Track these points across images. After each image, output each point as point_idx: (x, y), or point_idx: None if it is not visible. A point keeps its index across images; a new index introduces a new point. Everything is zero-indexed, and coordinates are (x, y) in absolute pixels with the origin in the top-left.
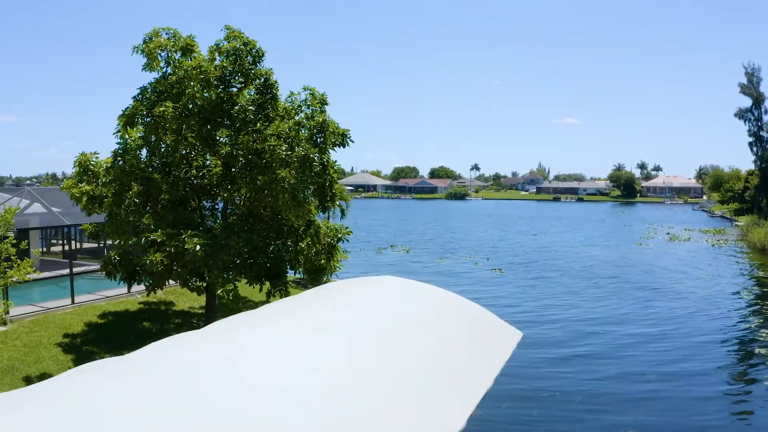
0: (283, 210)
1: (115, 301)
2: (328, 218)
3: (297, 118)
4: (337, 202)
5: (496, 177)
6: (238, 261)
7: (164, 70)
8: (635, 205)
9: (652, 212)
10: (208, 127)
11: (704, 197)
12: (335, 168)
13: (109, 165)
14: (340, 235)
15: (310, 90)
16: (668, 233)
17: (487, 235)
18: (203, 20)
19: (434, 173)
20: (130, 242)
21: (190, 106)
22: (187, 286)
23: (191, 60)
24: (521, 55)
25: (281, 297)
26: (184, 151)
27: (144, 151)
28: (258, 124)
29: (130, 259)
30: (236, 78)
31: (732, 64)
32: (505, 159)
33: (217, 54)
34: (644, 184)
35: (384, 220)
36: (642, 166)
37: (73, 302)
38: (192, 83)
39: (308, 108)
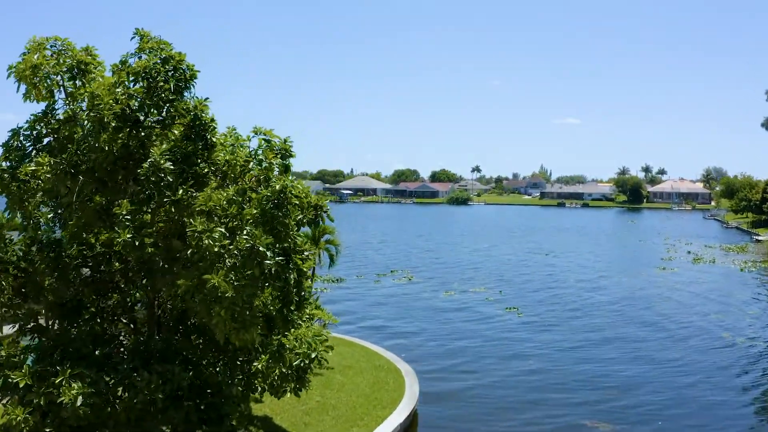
0: (218, 331)
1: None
2: (313, 272)
3: (249, 174)
4: (326, 246)
5: (498, 180)
6: (153, 403)
7: (55, 100)
8: (642, 211)
9: (663, 221)
10: (107, 197)
11: (712, 203)
12: (303, 256)
13: None
14: (314, 354)
15: (265, 134)
16: (689, 251)
17: (496, 256)
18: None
19: (435, 176)
20: None
21: (78, 161)
22: None
23: (90, 85)
24: (521, 55)
25: None
26: (78, 224)
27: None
28: (180, 191)
29: None
30: (151, 113)
31: (733, 64)
32: (506, 159)
33: (127, 75)
34: (651, 189)
35: (384, 234)
36: (646, 170)
37: None
38: (86, 123)
39: (261, 164)
